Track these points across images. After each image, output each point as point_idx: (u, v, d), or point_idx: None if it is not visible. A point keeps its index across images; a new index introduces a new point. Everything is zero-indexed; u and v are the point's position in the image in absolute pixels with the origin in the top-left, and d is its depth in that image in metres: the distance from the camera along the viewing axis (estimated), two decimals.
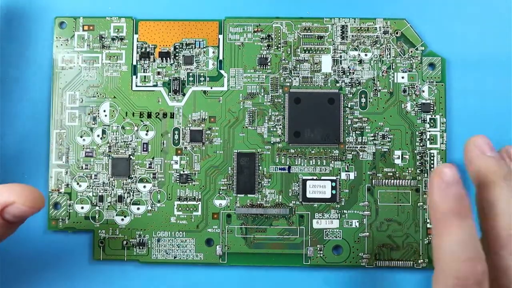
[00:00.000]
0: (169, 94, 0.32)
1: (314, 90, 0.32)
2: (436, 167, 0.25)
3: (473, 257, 0.24)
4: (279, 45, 0.32)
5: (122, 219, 0.32)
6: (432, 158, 0.32)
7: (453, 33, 0.33)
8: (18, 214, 0.25)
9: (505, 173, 0.26)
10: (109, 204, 0.32)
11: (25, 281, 0.32)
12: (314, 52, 0.32)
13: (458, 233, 0.24)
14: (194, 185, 0.32)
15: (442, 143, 0.32)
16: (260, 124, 0.32)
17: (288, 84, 0.32)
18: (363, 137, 0.32)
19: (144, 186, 0.32)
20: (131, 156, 0.32)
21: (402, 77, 0.32)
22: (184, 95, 0.32)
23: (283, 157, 0.32)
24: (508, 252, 0.25)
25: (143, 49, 0.33)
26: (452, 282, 0.24)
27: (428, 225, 0.32)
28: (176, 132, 0.32)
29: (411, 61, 0.32)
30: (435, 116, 0.32)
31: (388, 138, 0.32)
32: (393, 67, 0.32)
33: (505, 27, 0.33)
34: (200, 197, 0.32)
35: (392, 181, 0.32)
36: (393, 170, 0.32)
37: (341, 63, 0.32)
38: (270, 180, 0.32)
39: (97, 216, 0.32)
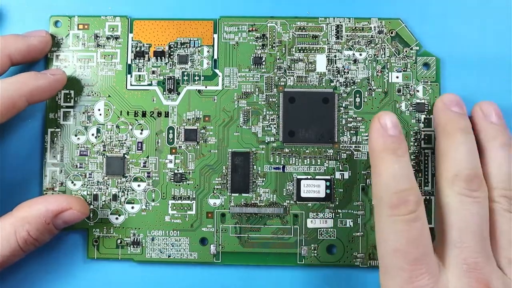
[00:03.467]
0: (164, 93, 0.32)
1: (309, 90, 0.32)
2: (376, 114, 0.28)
3: (405, 189, 0.26)
4: (273, 45, 0.32)
5: (117, 218, 0.32)
6: (426, 157, 0.32)
7: (447, 33, 0.33)
8: (70, 220, 0.29)
9: (463, 126, 0.28)
10: (103, 203, 0.32)
11: (19, 279, 0.32)
12: (309, 51, 0.33)
13: (393, 167, 0.26)
14: (188, 184, 0.32)
15: None
16: (255, 124, 0.32)
17: (283, 83, 0.32)
18: (358, 137, 0.32)
19: (139, 185, 0.32)
20: (125, 155, 0.32)
21: (397, 77, 0.32)
22: (178, 94, 0.32)
23: (277, 157, 0.32)
24: (450, 190, 0.27)
25: (138, 48, 0.33)
26: (386, 212, 0.26)
27: None
28: (171, 131, 0.32)
29: (405, 61, 0.32)
30: (429, 115, 0.32)
31: None
32: (388, 66, 0.32)
33: (500, 27, 0.33)
34: (194, 196, 0.32)
35: None
36: None
37: (335, 63, 0.32)
38: (264, 179, 0.32)
39: (91, 215, 0.32)
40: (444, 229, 0.27)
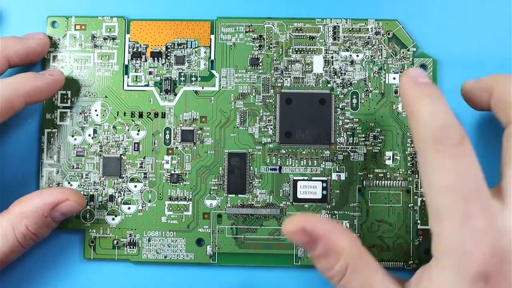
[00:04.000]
0: (161, 94, 0.32)
1: (306, 91, 0.32)
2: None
3: (447, 123, 0.24)
4: (270, 46, 0.32)
5: (113, 219, 0.32)
6: None
7: (444, 34, 0.33)
8: (68, 211, 0.29)
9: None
10: (100, 203, 0.32)
11: (16, 280, 0.32)
12: (306, 52, 0.32)
13: (431, 106, 0.25)
14: (185, 185, 0.32)
15: None
16: (251, 125, 0.32)
17: (280, 84, 0.32)
18: (354, 138, 0.32)
19: (135, 186, 0.32)
20: (122, 156, 0.32)
21: (394, 78, 0.32)
22: (175, 95, 0.32)
23: (274, 158, 0.32)
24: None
25: (135, 49, 0.33)
26: (431, 149, 0.24)
27: (419, 226, 0.32)
28: (167, 132, 0.32)
29: (402, 62, 0.32)
30: None
31: (379, 139, 0.32)
32: (385, 68, 0.32)
33: (497, 28, 0.33)
34: (191, 197, 0.32)
35: (383, 182, 0.32)
36: (384, 171, 0.32)
37: (332, 64, 0.32)
38: (261, 180, 0.32)
39: (88, 216, 0.32)
40: (505, 171, 0.25)
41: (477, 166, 0.24)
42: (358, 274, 0.25)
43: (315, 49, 0.32)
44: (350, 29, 0.32)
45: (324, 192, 0.32)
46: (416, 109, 0.25)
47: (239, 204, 0.32)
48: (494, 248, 0.23)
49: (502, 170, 0.26)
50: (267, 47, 0.32)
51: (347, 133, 0.32)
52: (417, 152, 0.25)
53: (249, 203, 0.32)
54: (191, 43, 0.33)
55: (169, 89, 0.32)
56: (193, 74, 0.33)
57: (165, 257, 0.32)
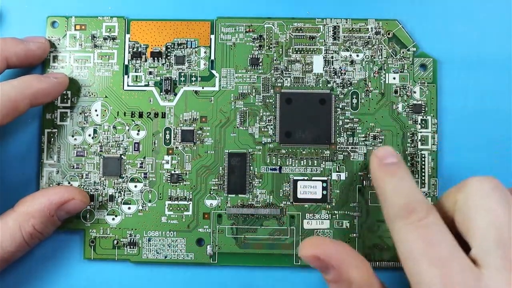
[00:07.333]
0: (161, 94, 0.32)
1: (306, 91, 0.32)
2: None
3: (410, 201, 0.26)
4: (270, 46, 0.32)
5: (113, 219, 0.32)
6: (423, 159, 0.32)
7: (444, 34, 0.33)
8: (73, 210, 0.30)
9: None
10: (100, 203, 0.32)
11: (15, 279, 0.32)
12: (306, 52, 0.32)
13: (394, 184, 0.27)
14: (185, 185, 0.32)
15: (433, 144, 0.32)
16: (252, 124, 0.32)
17: (280, 84, 0.32)
18: (354, 138, 0.32)
19: (135, 186, 0.32)
20: (122, 156, 0.32)
21: (394, 78, 0.32)
22: (175, 95, 0.32)
23: (274, 158, 0.32)
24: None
25: (135, 49, 0.33)
26: (399, 224, 0.26)
27: None
28: (168, 132, 0.32)
29: (402, 62, 0.32)
30: (426, 117, 0.32)
31: (380, 139, 0.32)
32: (385, 68, 0.32)
33: (497, 28, 0.33)
34: (191, 197, 0.32)
35: None
36: None
37: (332, 64, 0.32)
38: (261, 180, 0.32)
39: (88, 216, 0.32)
40: (474, 234, 0.25)
41: (447, 233, 0.25)
42: None
43: (315, 49, 0.32)
44: (350, 29, 0.32)
45: (324, 192, 0.32)
46: (381, 187, 0.27)
47: (239, 204, 0.32)
48: None
49: (467, 240, 0.26)
50: (267, 47, 0.32)
51: (347, 133, 0.32)
52: (389, 227, 0.27)
53: (249, 203, 0.32)
54: (191, 43, 0.33)
55: (169, 89, 0.32)
56: (193, 74, 0.33)
57: (165, 257, 0.32)
